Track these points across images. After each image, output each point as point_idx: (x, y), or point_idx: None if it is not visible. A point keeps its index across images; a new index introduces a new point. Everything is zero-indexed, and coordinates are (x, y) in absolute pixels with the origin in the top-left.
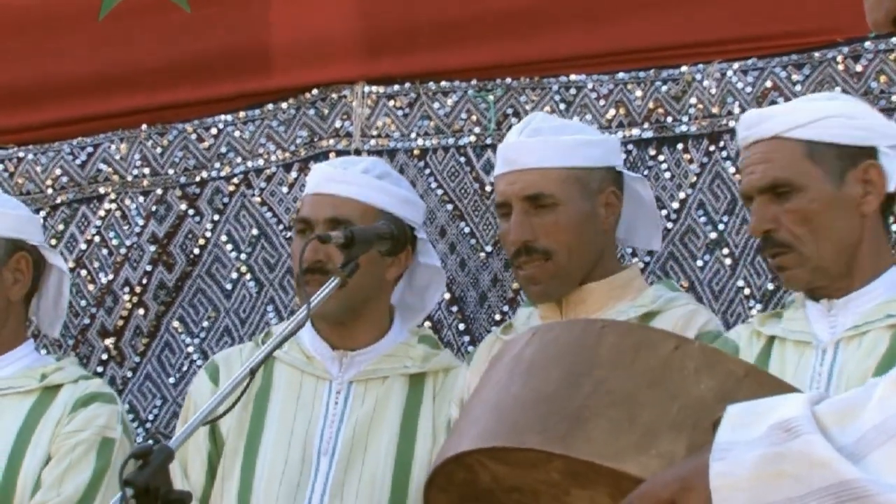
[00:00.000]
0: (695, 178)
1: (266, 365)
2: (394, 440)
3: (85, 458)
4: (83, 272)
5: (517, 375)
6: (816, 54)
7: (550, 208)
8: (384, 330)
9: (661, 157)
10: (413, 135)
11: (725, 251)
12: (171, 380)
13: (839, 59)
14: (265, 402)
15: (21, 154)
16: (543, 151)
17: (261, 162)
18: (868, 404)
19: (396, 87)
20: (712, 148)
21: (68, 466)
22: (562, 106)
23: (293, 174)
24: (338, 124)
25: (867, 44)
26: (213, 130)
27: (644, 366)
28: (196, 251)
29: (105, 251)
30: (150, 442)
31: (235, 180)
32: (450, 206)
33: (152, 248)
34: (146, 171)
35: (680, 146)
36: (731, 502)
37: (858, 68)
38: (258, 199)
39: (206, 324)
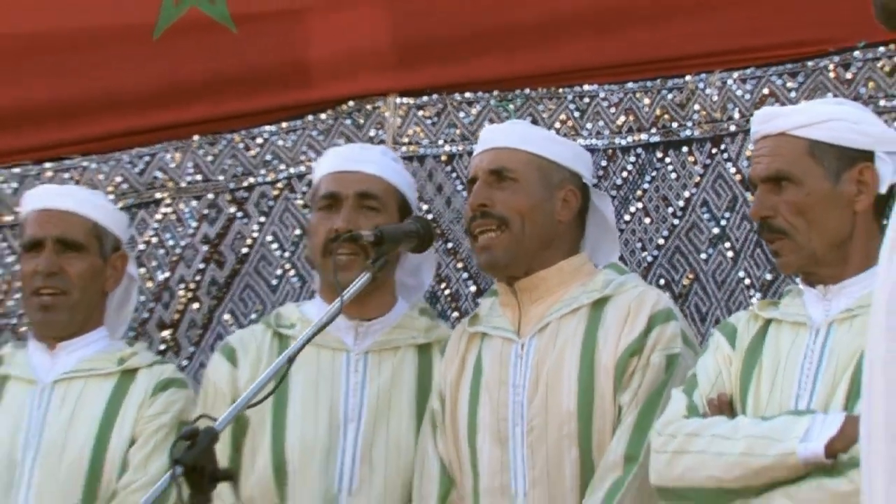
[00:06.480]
0: (699, 179)
1: (281, 344)
2: (412, 405)
3: (167, 441)
4: (142, 270)
5: None
6: (810, 63)
7: (510, 183)
8: (392, 301)
9: (667, 160)
10: (441, 142)
11: (727, 245)
12: None
13: (831, 67)
14: (286, 378)
15: (85, 163)
16: (514, 135)
17: (302, 168)
18: None
19: (425, 98)
20: (714, 150)
21: (153, 448)
22: (576, 114)
23: None
24: (372, 133)
25: (856, 53)
26: (259, 140)
27: None
28: (244, 250)
29: (162, 251)
30: (198, 425)
31: (280, 185)
32: None
33: (205, 247)
34: (198, 177)
35: (685, 149)
36: None
37: (848, 76)
38: (300, 202)
39: (254, 316)
